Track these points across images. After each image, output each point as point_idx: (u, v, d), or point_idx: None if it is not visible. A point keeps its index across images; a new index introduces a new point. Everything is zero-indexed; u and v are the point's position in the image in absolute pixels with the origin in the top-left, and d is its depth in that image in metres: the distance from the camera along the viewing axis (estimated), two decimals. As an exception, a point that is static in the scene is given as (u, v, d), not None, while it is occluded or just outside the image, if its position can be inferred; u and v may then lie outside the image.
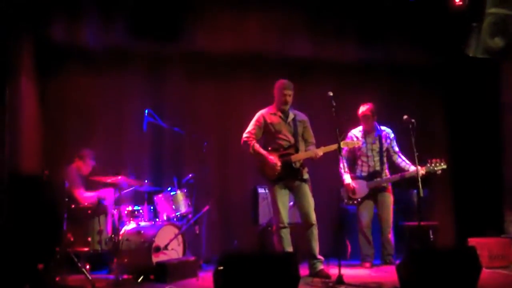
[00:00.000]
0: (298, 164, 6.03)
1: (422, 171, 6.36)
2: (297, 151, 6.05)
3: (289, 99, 6.08)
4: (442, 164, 6.49)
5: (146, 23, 7.05)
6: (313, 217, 5.99)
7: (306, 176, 6.11)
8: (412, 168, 6.52)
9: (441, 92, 8.24)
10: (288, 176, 6.01)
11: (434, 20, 7.53)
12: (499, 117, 7.64)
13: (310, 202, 6.03)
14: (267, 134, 6.14)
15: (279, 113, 6.13)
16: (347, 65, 7.91)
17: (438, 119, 8.22)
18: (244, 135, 6.14)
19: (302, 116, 6.22)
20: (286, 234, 5.99)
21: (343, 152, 6.54)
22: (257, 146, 6.06)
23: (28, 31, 6.73)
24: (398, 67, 7.99)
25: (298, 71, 7.62)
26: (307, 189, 6.06)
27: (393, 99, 7.87)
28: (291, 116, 6.14)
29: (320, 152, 5.94)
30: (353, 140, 6.66)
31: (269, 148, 6.07)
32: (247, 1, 7.57)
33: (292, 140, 6.08)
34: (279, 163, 5.94)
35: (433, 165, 6.47)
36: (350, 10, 7.63)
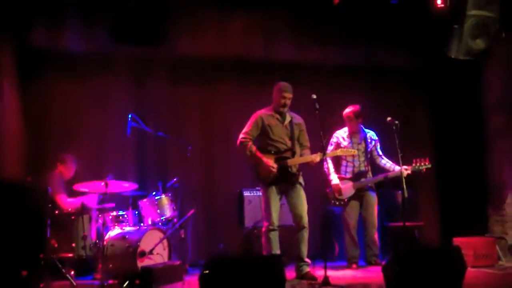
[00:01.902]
0: (294, 169, 5.99)
1: (408, 171, 6.43)
2: (293, 155, 5.99)
3: (288, 103, 6.01)
4: (426, 163, 6.54)
5: (128, 27, 7.00)
6: (305, 220, 5.97)
7: (301, 180, 6.07)
8: (397, 168, 6.56)
9: (424, 94, 8.30)
10: (283, 180, 5.96)
11: (416, 22, 7.57)
12: (482, 117, 7.70)
13: (304, 205, 5.99)
14: (263, 135, 6.05)
15: (276, 115, 6.06)
16: (330, 68, 7.94)
17: (422, 120, 8.27)
18: (241, 135, 6.04)
19: (298, 119, 6.16)
20: (275, 236, 5.96)
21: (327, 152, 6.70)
22: (254, 148, 5.98)
23: (9, 36, 6.68)
24: (382, 69, 8.03)
25: (281, 74, 7.57)
26: (302, 192, 6.01)
27: (376, 101, 7.90)
28: (288, 118, 6.08)
29: (317, 158, 5.88)
30: (338, 140, 6.87)
31: (264, 151, 6.00)
32: (230, 5, 7.55)
33: (289, 143, 6.02)
34: (275, 167, 5.90)
35: (417, 164, 6.51)
36: (333, 13, 7.63)
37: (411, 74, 8.13)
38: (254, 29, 7.69)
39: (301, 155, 6.05)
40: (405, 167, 6.38)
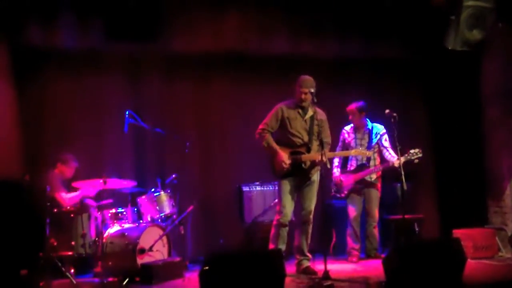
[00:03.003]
0: (308, 164, 5.95)
1: (399, 160, 6.40)
2: (308, 150, 5.95)
3: (306, 97, 5.90)
4: (418, 153, 6.50)
5: (123, 24, 6.94)
6: (310, 215, 5.98)
7: (315, 177, 6.02)
8: (393, 160, 6.57)
9: (422, 86, 8.28)
10: (297, 174, 5.95)
11: (412, 14, 7.54)
12: (479, 109, 7.69)
13: (313, 200, 5.99)
14: (282, 128, 6.01)
15: (298, 109, 6.00)
16: (327, 61, 7.89)
17: (419, 112, 8.25)
18: (260, 126, 6.01)
19: (321, 115, 6.07)
20: (284, 232, 5.94)
21: (337, 148, 6.92)
22: (270, 139, 5.96)
23: (4, 34, 6.64)
24: (378, 62, 7.99)
25: (277, 69, 7.63)
26: (313, 188, 6.00)
27: (374, 94, 7.87)
28: (309, 113, 6.01)
29: (324, 157, 5.85)
30: (343, 136, 6.94)
31: (281, 143, 5.97)
32: (224, 0, 7.51)
33: (305, 138, 5.97)
34: (288, 161, 5.87)
35: (410, 155, 6.48)
36: (328, 6, 7.61)
37: (408, 66, 8.10)
38: (248, 24, 7.63)
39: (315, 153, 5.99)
40: (396, 157, 6.39)
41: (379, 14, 7.65)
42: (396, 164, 6.35)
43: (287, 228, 5.96)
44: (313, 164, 5.96)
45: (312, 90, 5.82)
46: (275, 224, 5.97)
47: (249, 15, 7.59)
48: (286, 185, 5.94)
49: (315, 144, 6.00)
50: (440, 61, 7.76)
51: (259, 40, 7.67)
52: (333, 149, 6.62)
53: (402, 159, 6.42)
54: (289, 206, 5.93)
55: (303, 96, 5.92)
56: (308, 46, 7.83)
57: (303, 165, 5.93)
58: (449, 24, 6.57)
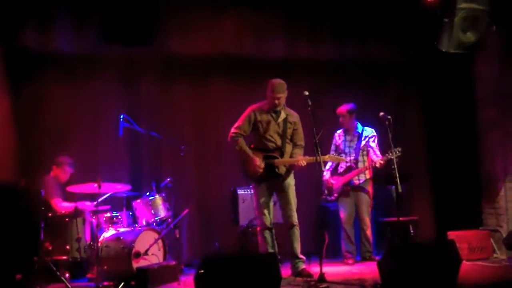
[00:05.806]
0: (281, 169, 5.91)
1: (381, 161, 6.52)
2: (282, 154, 5.91)
3: (278, 102, 5.86)
4: (397, 152, 6.39)
5: (119, 27, 6.93)
6: (294, 218, 5.93)
7: (289, 180, 5.98)
8: (375, 159, 6.67)
9: (416, 88, 8.29)
10: (271, 179, 5.91)
11: (407, 17, 7.57)
12: (474, 111, 7.71)
13: (292, 203, 5.94)
14: (254, 132, 5.97)
15: (271, 112, 5.95)
16: (323, 64, 7.92)
17: (414, 115, 8.26)
18: (232, 130, 5.96)
19: (293, 117, 6.01)
20: (269, 235, 5.92)
21: (330, 153, 6.82)
22: (243, 143, 5.91)
23: (-1, 38, 6.65)
24: (374, 64, 8.02)
25: (273, 72, 7.55)
26: (290, 192, 5.95)
27: (369, 96, 7.89)
28: (282, 116, 5.95)
29: (304, 162, 5.81)
30: (335, 139, 7.01)
31: (254, 147, 5.95)
32: (221, 3, 7.52)
33: (278, 142, 5.92)
34: (262, 166, 5.84)
35: (390, 154, 6.39)
36: (324, 9, 7.63)
37: (403, 69, 8.12)
38: (245, 27, 7.65)
39: (292, 155, 5.96)
40: (379, 158, 6.58)
41: (375, 17, 7.68)
42: (378, 165, 6.52)
43: (271, 231, 5.94)
44: (290, 167, 5.94)
45: (306, 93, 5.79)
46: (259, 230, 5.98)
47: (245, 18, 7.61)
48: (261, 190, 5.92)
49: (288, 148, 5.97)
50: (435, 63, 7.78)
51: (255, 43, 7.69)
52: (327, 152, 6.59)
53: (384, 159, 6.46)
54: (266, 209, 5.91)
55: (276, 101, 5.87)
56: (305, 49, 7.85)
57: (276, 169, 5.89)
58: (443, 27, 6.60)
